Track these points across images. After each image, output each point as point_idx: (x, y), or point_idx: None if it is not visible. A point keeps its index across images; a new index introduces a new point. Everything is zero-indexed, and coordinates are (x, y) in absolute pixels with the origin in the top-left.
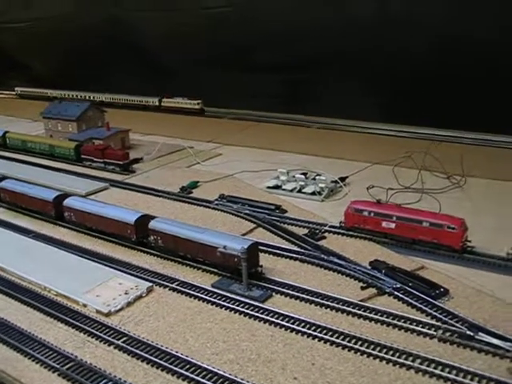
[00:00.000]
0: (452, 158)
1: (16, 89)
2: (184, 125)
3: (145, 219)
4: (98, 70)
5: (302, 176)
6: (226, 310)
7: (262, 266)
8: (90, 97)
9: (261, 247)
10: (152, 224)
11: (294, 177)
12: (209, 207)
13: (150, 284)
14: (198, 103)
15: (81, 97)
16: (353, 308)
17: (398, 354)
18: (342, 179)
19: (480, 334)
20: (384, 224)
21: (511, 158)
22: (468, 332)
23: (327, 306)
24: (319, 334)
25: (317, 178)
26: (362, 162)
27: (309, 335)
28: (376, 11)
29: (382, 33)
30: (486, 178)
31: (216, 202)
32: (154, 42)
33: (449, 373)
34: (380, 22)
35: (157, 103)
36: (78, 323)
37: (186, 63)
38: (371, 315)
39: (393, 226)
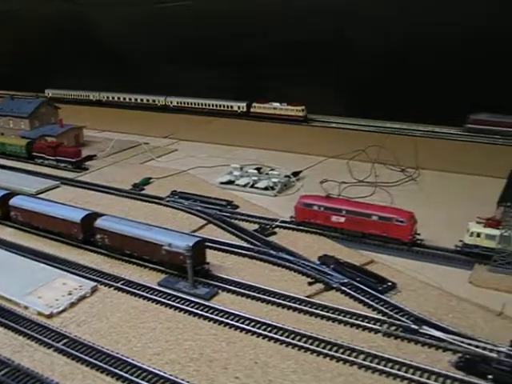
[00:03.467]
0: (406, 151)
1: None
2: (141, 120)
3: (91, 218)
4: (46, 65)
5: (255, 171)
6: (170, 308)
7: (208, 264)
8: (153, 100)
9: (210, 244)
10: (98, 222)
11: (247, 172)
12: (160, 204)
13: (95, 284)
14: (302, 109)
15: (152, 101)
16: (299, 304)
17: (341, 350)
18: (296, 173)
19: (424, 327)
20: (334, 218)
21: (464, 150)
22: (412, 326)
23: (273, 303)
24: (263, 332)
25: (269, 172)
26: (317, 156)
27: (253, 333)
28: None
29: (339, 27)
30: (440, 170)
31: (167, 199)
32: (112, 37)
33: (391, 368)
34: (335, 17)
35: (244, 109)
36: (17, 326)
37: (145, 58)
38: (317, 311)
39: (342, 220)
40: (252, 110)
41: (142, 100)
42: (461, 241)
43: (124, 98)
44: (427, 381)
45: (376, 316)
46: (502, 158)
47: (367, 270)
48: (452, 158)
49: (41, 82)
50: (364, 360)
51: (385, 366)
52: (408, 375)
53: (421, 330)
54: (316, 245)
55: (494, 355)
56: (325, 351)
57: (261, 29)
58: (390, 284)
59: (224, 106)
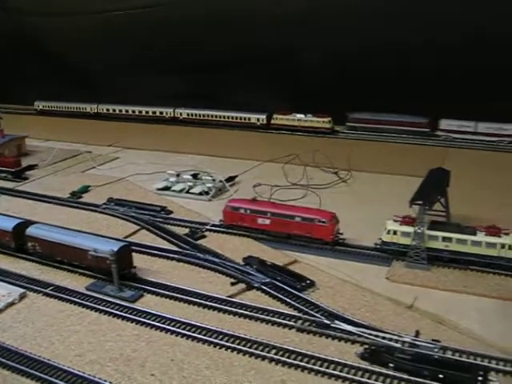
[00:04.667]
0: (341, 154)
1: None
2: (85, 129)
3: (23, 226)
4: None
5: (190, 177)
6: (95, 311)
7: (135, 267)
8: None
9: (140, 248)
10: (29, 230)
11: (183, 178)
12: (96, 211)
13: (23, 290)
14: (329, 121)
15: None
16: (219, 304)
17: (255, 346)
18: (232, 178)
19: (336, 321)
20: (260, 221)
21: (397, 151)
22: (325, 321)
23: (196, 303)
24: (182, 331)
25: (204, 178)
26: (254, 160)
27: (172, 332)
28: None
29: (292, 34)
30: (371, 171)
31: (104, 206)
32: (64, 47)
33: (301, 360)
34: (287, 24)
35: (264, 121)
36: None
37: (101, 67)
38: (236, 310)
39: (268, 222)
40: (273, 121)
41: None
42: (380, 239)
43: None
44: (333, 372)
45: (292, 313)
46: (431, 159)
47: (288, 270)
48: (383, 159)
49: None
50: (276, 354)
51: (295, 359)
52: (316, 367)
53: (332, 325)
54: (243, 247)
55: (398, 345)
56: (238, 347)
57: (220, 35)
58: (308, 282)
59: (241, 118)
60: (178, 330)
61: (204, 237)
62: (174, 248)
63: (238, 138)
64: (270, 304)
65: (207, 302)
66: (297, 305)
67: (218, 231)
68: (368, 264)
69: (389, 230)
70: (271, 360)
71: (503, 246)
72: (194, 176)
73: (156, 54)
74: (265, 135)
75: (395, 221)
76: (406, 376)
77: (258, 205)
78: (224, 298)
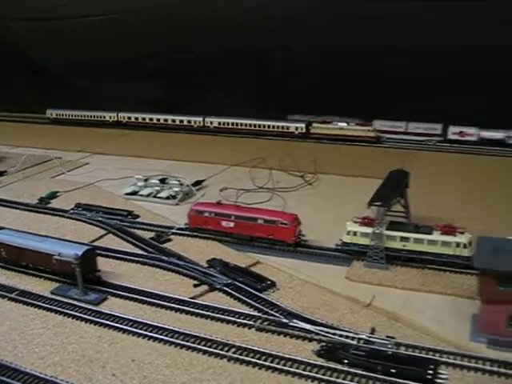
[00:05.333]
0: (307, 157)
1: None
2: (57, 135)
3: None
4: None
5: (158, 181)
6: (60, 315)
7: (99, 271)
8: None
9: (106, 252)
10: None
11: (150, 182)
12: (64, 216)
13: None
14: (374, 129)
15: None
16: (182, 305)
17: (214, 345)
18: (199, 182)
19: (294, 320)
20: (224, 223)
21: (362, 154)
22: (283, 320)
23: (158, 305)
24: (143, 332)
25: (171, 182)
26: (222, 164)
27: (134, 333)
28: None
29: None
30: (337, 174)
31: (71, 211)
32: (35, 52)
33: (258, 359)
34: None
35: (303, 130)
36: None
37: (71, 72)
38: (198, 311)
39: (232, 224)
40: (312, 130)
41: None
42: (340, 240)
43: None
44: (289, 369)
45: (251, 313)
46: (394, 161)
47: (250, 271)
48: (348, 162)
49: None
50: (234, 353)
51: (253, 357)
52: (273, 365)
53: (290, 324)
54: (207, 249)
55: (354, 342)
56: (198, 347)
57: (184, 41)
58: (269, 283)
59: (280, 127)
60: (140, 331)
61: (169, 240)
62: (140, 251)
63: (208, 142)
64: (231, 304)
65: (170, 304)
66: (257, 305)
67: (184, 234)
68: (329, 264)
69: (349, 231)
70: (230, 359)
71: (458, 244)
72: (162, 181)
73: (124, 59)
74: (233, 139)
75: (355, 222)
76: (360, 371)
77: (221, 208)
78: (186, 299)
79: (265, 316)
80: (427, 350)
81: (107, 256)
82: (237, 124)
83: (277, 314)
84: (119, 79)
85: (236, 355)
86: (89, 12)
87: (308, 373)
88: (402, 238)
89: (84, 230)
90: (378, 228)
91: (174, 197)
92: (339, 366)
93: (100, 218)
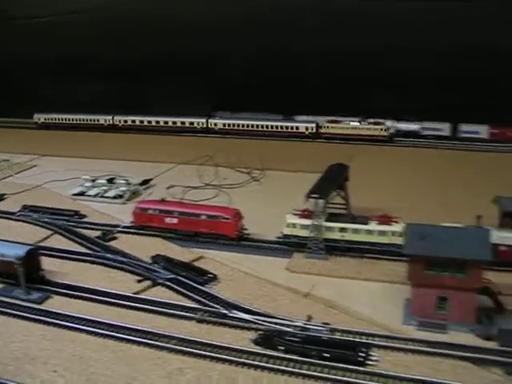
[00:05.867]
0: (254, 154)
1: None
2: (5, 137)
3: None
4: None
5: (105, 181)
6: (3, 315)
7: (43, 270)
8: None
9: (51, 252)
10: None
11: (98, 183)
12: (10, 219)
13: None
14: (386, 129)
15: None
16: (125, 301)
17: (155, 338)
18: (147, 181)
19: (233, 311)
20: (167, 220)
21: (308, 149)
22: (223, 311)
23: (102, 301)
24: (85, 327)
25: (118, 182)
26: (169, 163)
27: (76, 329)
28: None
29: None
30: (283, 170)
31: (18, 213)
32: None
33: (198, 349)
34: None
35: (313, 130)
36: None
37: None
38: (141, 305)
39: (175, 221)
40: (323, 130)
41: None
42: (281, 232)
43: None
44: (227, 357)
45: (192, 305)
46: (340, 156)
47: (193, 266)
48: (295, 158)
49: None
50: (175, 345)
51: (192, 348)
52: (212, 354)
53: (230, 314)
54: (152, 246)
55: (290, 330)
56: (139, 340)
57: (143, 40)
58: (211, 276)
59: (289, 128)
60: (82, 327)
61: (115, 238)
62: (85, 250)
63: (155, 141)
64: (173, 298)
65: (113, 300)
66: (198, 298)
67: (129, 232)
68: (271, 257)
69: (289, 224)
70: (170, 350)
71: (394, 233)
72: (110, 180)
73: (79, 59)
74: (180, 138)
75: (295, 214)
76: (295, 357)
77: (165, 205)
78: (129, 294)
79: (205, 308)
80: (360, 335)
81: (52, 256)
82: (242, 125)
83: (217, 306)
84: (63, 80)
85: (176, 346)
86: (37, 13)
87: (245, 360)
88: (341, 229)
89: (31, 232)
90: (316, 220)
91: (121, 196)
92: (275, 353)
93: (47, 219)
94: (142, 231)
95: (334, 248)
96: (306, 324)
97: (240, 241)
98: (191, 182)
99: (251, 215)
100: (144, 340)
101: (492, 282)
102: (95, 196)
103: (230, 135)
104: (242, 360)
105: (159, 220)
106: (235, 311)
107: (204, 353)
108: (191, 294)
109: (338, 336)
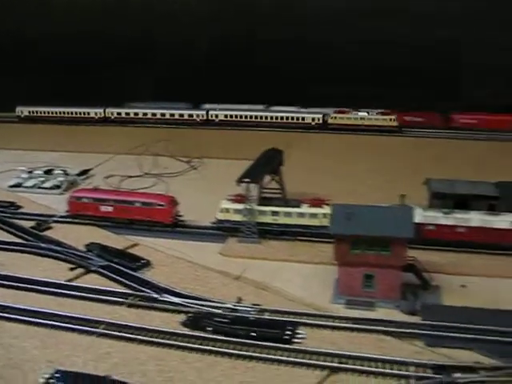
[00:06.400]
0: (194, 142)
1: None
2: None
3: None
4: None
5: (42, 172)
6: None
7: None
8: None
9: None
10: None
11: (35, 174)
12: None
13: None
14: (395, 119)
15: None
16: (57, 288)
17: (84, 323)
18: (86, 172)
19: (164, 295)
20: (102, 208)
21: (249, 138)
22: (154, 295)
23: (33, 290)
24: (13, 316)
25: (56, 172)
26: (110, 153)
27: (2, 318)
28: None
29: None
30: (222, 158)
31: None
32: None
33: (126, 332)
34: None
35: (319, 120)
36: None
37: None
38: (73, 292)
39: (110, 209)
40: (330, 121)
41: None
42: (216, 217)
43: None
44: (154, 339)
45: (124, 290)
46: (279, 143)
47: (127, 252)
48: (234, 146)
49: None
50: (105, 329)
51: (121, 331)
52: (139, 337)
53: (160, 298)
54: (87, 234)
55: (219, 311)
56: (67, 326)
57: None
58: (144, 262)
59: (295, 119)
60: (9, 316)
61: (50, 228)
62: (19, 240)
63: (94, 132)
64: (105, 285)
65: (45, 288)
66: (130, 283)
67: (65, 222)
68: (205, 242)
69: (222, 209)
70: (99, 335)
71: (325, 215)
72: (48, 171)
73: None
74: (121, 128)
75: (229, 200)
76: (222, 337)
77: (100, 193)
78: (62, 282)
79: (136, 293)
80: (288, 314)
81: None
82: (251, 117)
83: (148, 291)
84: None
85: (105, 331)
86: None
87: (173, 342)
88: (273, 213)
89: None
90: (248, 204)
91: (58, 187)
92: (203, 334)
93: None
94: (77, 220)
95: (268, 232)
96: (235, 305)
97: (175, 227)
98: (131, 172)
99: (188, 202)
100: (73, 326)
101: (418, 260)
102: (32, 187)
103: (167, 125)
104: (169, 342)
105: (94, 208)
106: (166, 295)
107: (132, 336)
108: (123, 280)
109: (266, 316)
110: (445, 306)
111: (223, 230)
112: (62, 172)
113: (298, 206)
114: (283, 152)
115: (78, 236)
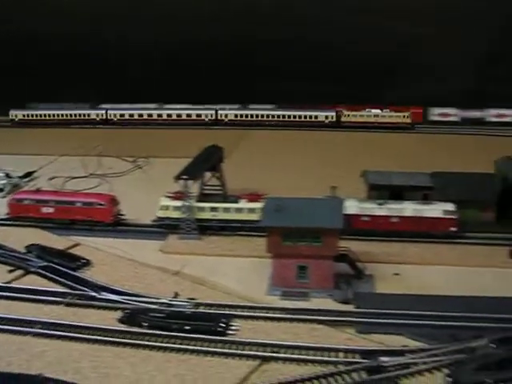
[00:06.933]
0: (141, 143)
1: None
2: None
3: None
4: None
5: None
6: None
7: None
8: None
9: None
10: None
11: None
12: None
13: None
14: (408, 116)
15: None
16: None
17: (19, 324)
18: (29, 174)
19: (102, 293)
20: (44, 210)
21: (196, 136)
22: (91, 293)
23: None
24: None
25: None
26: (55, 155)
27: None
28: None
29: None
30: (169, 157)
31: None
32: None
33: (62, 331)
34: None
35: (333, 118)
36: None
37: None
38: (11, 294)
39: (51, 210)
40: (343, 119)
41: None
42: (156, 215)
43: None
44: (90, 337)
45: (63, 290)
46: (226, 142)
47: (67, 253)
48: (180, 145)
49: None
50: (40, 328)
51: (56, 330)
52: (74, 335)
53: (98, 296)
54: (28, 236)
55: (155, 306)
56: (4, 327)
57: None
58: (84, 261)
59: (308, 117)
60: None
61: None
62: None
63: (42, 134)
64: (44, 285)
65: None
66: (69, 283)
67: (5, 224)
68: (146, 240)
69: (162, 206)
70: (34, 334)
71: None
72: None
73: None
74: (68, 130)
75: (168, 197)
76: (157, 332)
77: (41, 195)
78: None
79: (74, 292)
80: (223, 307)
81: None
82: (264, 116)
83: (87, 289)
84: None
85: (40, 330)
86: None
87: (109, 338)
88: (211, 209)
89: None
90: (187, 201)
91: (1, 190)
92: (138, 329)
93: None
94: (18, 222)
95: (207, 227)
96: (171, 300)
97: (116, 226)
98: (76, 173)
99: (130, 201)
100: (7, 327)
101: (352, 250)
102: None
103: (122, 126)
104: (104, 338)
105: (35, 210)
106: (104, 293)
107: (67, 334)
108: (63, 280)
109: (201, 310)
110: (377, 294)
111: (164, 228)
112: (3, 175)
113: (236, 202)
114: (223, 149)
115: (19, 238)
